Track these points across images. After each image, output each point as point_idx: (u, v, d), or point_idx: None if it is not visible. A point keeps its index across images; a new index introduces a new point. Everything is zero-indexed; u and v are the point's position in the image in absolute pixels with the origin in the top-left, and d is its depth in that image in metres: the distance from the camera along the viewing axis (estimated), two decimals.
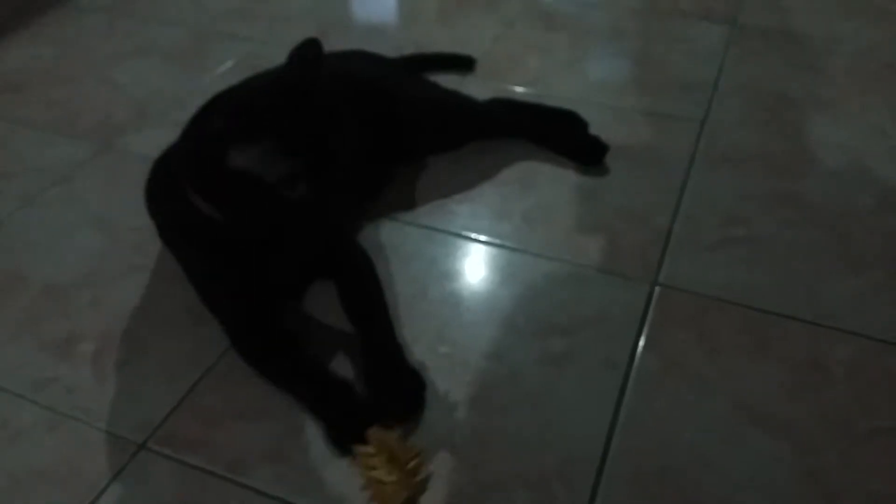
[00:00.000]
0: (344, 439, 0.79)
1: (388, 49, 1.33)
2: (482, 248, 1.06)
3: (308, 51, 0.81)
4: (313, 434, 0.81)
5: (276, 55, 0.84)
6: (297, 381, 0.85)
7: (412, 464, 0.76)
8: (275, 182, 0.75)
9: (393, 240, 1.06)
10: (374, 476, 0.74)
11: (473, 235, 1.07)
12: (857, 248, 1.02)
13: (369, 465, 0.75)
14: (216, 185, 0.79)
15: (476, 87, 1.32)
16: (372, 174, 1.12)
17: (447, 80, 1.31)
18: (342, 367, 0.89)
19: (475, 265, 1.03)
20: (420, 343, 0.91)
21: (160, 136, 0.94)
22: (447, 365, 0.88)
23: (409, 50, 1.42)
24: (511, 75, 1.42)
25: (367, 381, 0.85)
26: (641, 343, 0.90)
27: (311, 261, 0.94)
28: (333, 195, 0.81)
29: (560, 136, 1.22)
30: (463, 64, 1.43)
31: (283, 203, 0.77)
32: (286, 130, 0.76)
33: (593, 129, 1.22)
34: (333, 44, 1.26)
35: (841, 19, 1.58)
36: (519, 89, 1.37)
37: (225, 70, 1.47)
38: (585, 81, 1.41)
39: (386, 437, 0.77)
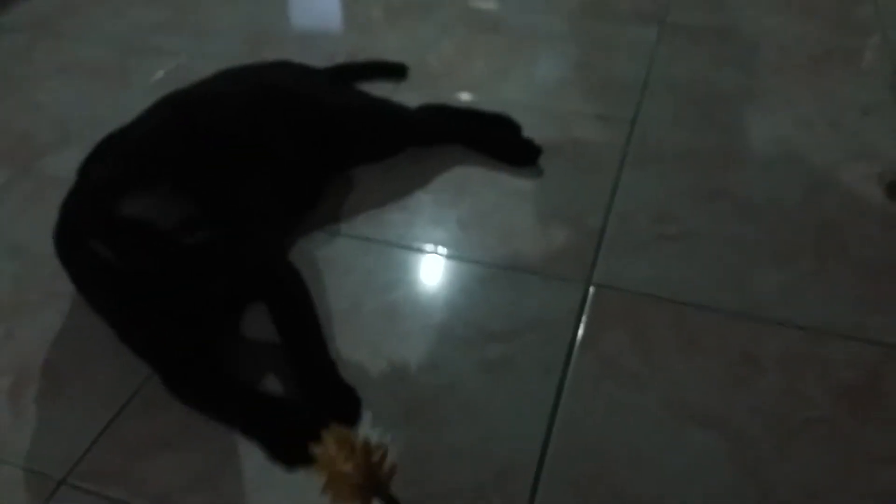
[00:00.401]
0: (288, 454, 0.77)
1: (324, 58, 1.30)
2: (418, 256, 1.04)
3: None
4: (244, 457, 0.78)
5: (204, 68, 0.81)
6: (233, 409, 0.82)
7: (377, 455, 0.73)
8: (171, 228, 0.72)
9: (326, 253, 1.04)
10: (337, 472, 0.72)
11: (409, 244, 1.06)
12: (786, 239, 1.04)
13: (330, 463, 0.72)
14: (109, 235, 0.75)
15: (411, 95, 1.30)
16: (304, 187, 1.09)
17: (380, 89, 1.29)
18: (280, 385, 0.86)
19: (411, 275, 1.02)
20: (355, 358, 0.88)
21: (81, 158, 0.90)
22: (383, 380, 0.86)
23: (344, 58, 1.40)
24: (446, 81, 1.41)
25: (302, 400, 0.83)
26: (577, 345, 0.90)
27: (231, 295, 0.90)
28: (242, 230, 0.77)
29: (493, 140, 1.21)
30: (395, 72, 1.42)
31: (179, 251, 0.74)
32: (181, 172, 0.73)
33: (527, 132, 1.22)
34: (267, 54, 1.24)
35: (768, 14, 1.62)
36: (454, 95, 1.36)
37: (149, 86, 1.42)
38: (519, 85, 1.40)
39: (344, 433, 0.74)
